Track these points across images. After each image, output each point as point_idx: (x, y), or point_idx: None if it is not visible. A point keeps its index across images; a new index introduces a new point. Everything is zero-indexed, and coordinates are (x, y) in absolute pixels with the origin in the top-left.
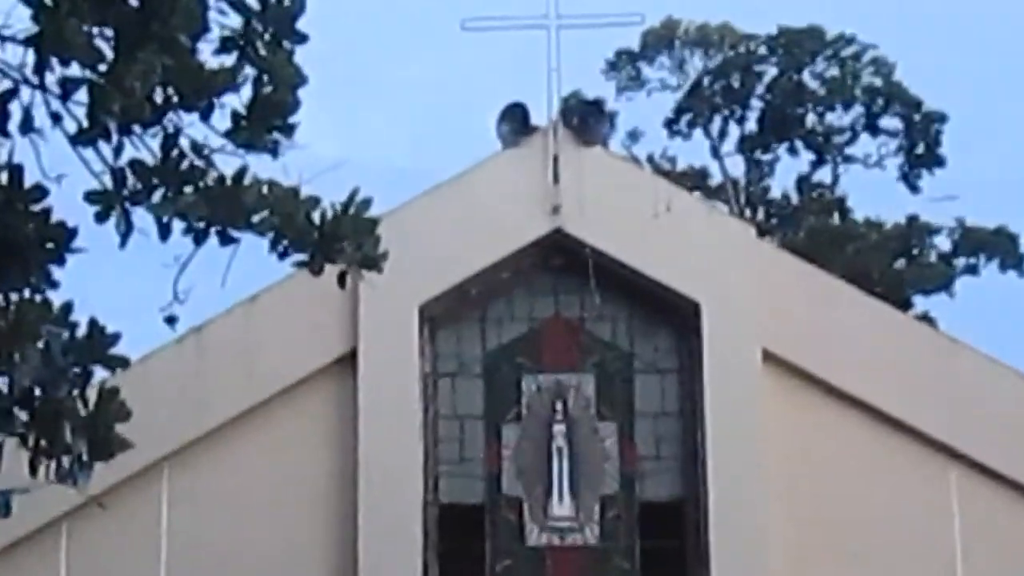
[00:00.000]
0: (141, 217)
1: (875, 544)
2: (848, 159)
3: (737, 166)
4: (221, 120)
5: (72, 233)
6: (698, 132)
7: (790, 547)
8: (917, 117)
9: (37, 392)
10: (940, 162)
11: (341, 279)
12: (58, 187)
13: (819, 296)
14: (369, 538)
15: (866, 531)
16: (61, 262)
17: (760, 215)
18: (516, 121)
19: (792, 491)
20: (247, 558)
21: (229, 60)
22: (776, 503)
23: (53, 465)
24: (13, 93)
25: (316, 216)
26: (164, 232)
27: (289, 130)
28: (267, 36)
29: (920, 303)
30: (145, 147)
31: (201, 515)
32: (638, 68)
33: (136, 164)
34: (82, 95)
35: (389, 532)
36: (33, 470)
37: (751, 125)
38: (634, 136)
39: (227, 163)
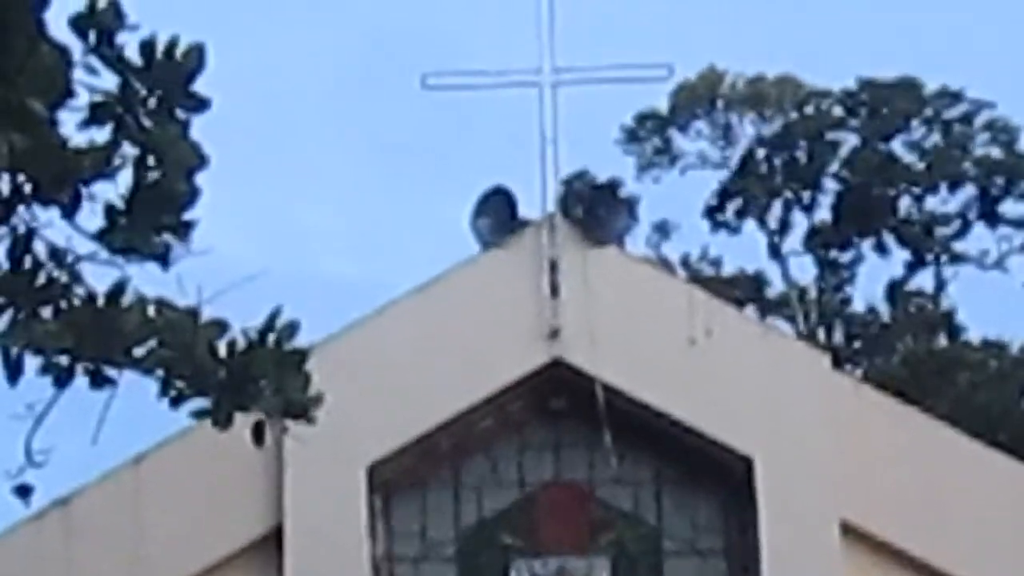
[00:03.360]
0: None
1: None
2: (957, 258)
3: (805, 270)
4: (91, 217)
5: None
6: (751, 224)
7: None
8: None
9: None
10: None
11: (258, 433)
12: None
13: (918, 448)
14: None
15: None
16: None
17: (838, 337)
18: (499, 212)
19: None
20: None
21: (101, 135)
22: None
23: None
24: None
25: (222, 348)
26: (13, 371)
27: (184, 229)
28: (152, 102)
29: None
30: None
31: None
32: (667, 138)
33: None
34: None
35: None
36: None
37: (823, 214)
38: (663, 230)
39: (99, 276)
